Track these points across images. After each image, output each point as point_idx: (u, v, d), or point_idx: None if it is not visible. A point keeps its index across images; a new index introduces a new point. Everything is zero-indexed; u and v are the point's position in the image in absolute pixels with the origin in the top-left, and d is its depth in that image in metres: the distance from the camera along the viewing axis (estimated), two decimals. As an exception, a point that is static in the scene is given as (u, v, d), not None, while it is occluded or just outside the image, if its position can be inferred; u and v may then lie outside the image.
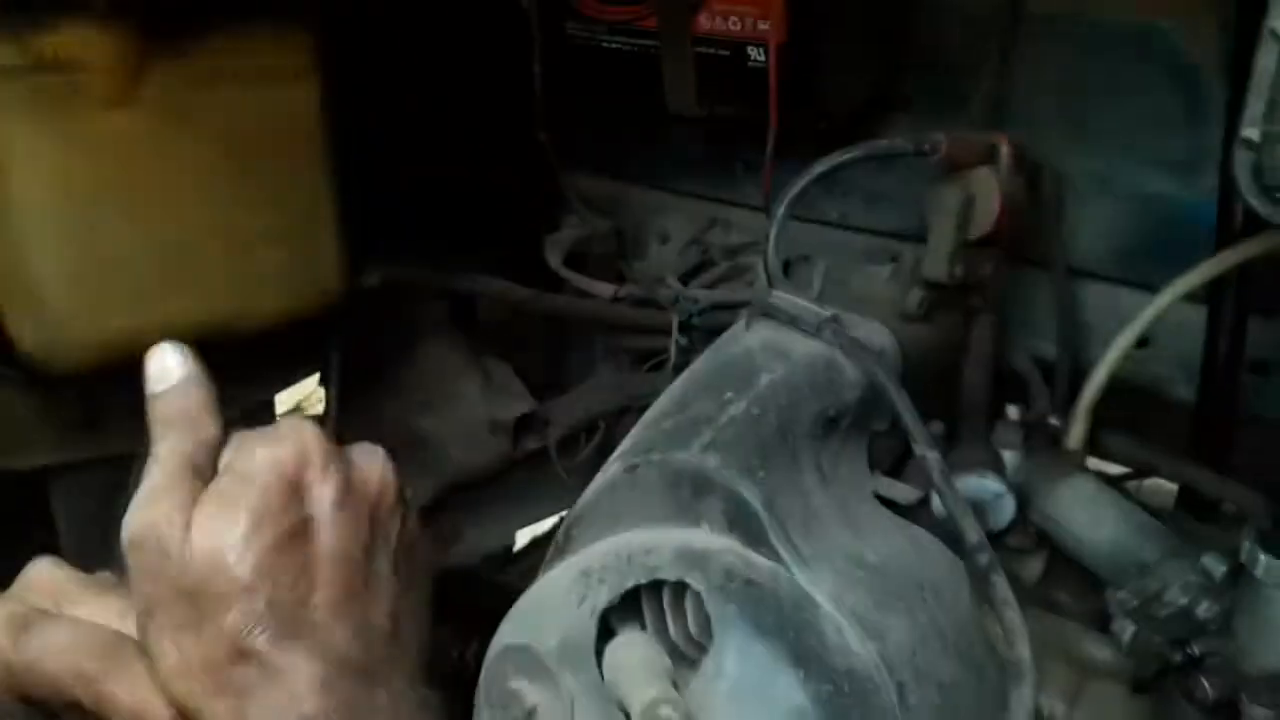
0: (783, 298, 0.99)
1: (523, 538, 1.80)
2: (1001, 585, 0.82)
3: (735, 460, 0.84)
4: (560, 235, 1.67)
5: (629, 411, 1.62)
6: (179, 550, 0.64)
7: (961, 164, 1.06)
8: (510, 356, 1.82)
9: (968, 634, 0.89)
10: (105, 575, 0.77)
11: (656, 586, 0.81)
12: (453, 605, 1.01)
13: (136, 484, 0.69)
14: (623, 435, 1.65)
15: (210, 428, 0.73)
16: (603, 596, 0.79)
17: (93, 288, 1.06)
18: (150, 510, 0.66)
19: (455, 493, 1.56)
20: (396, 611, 0.77)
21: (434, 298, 1.61)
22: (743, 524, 0.81)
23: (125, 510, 0.71)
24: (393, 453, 0.79)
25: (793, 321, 0.96)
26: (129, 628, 0.69)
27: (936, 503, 0.98)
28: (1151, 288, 1.10)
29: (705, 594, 0.76)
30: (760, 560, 0.80)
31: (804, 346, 0.95)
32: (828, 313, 0.96)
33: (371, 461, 0.76)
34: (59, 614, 0.72)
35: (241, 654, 0.64)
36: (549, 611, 0.81)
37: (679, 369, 1.51)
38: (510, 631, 0.84)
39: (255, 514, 0.66)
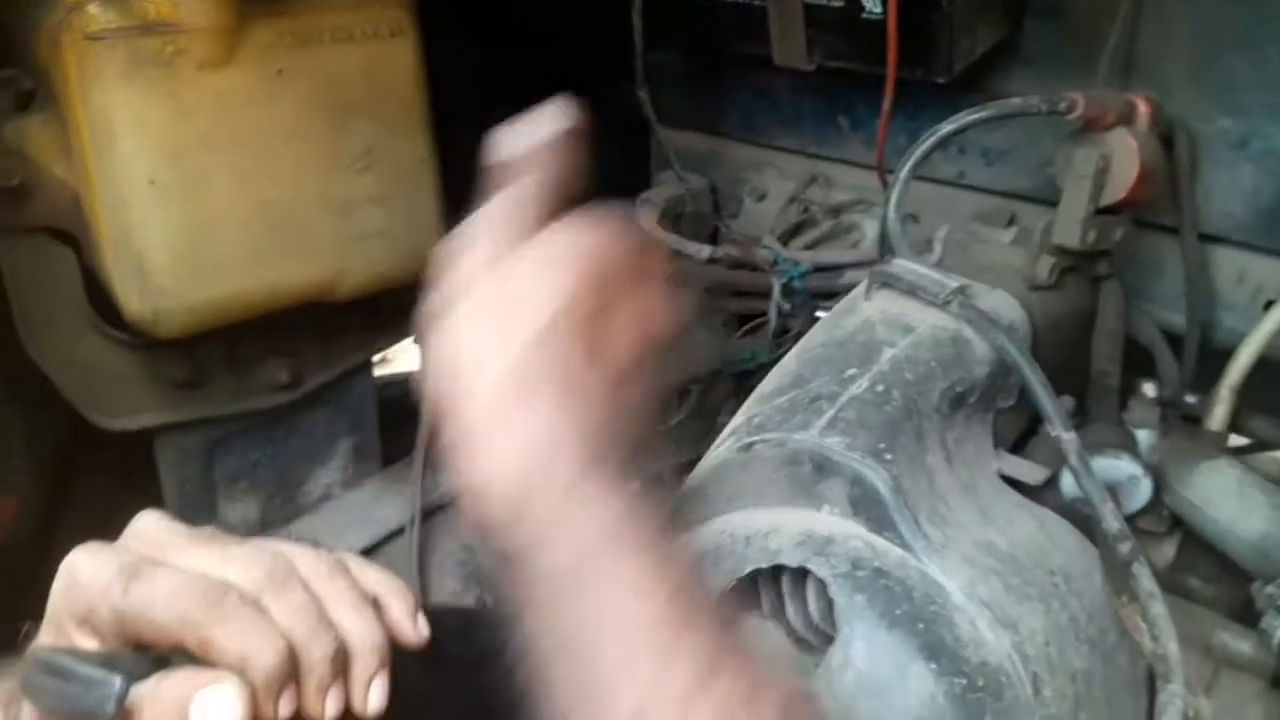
0: (905, 266, 0.94)
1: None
2: (1145, 576, 0.78)
3: (860, 441, 0.80)
4: (653, 193, 1.62)
5: (721, 376, 1.58)
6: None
7: (1097, 124, 1.00)
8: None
9: (1099, 621, 0.85)
10: (209, 529, 0.77)
11: (775, 571, 0.78)
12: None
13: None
14: (715, 400, 1.63)
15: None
16: (719, 580, 0.76)
17: (197, 251, 1.05)
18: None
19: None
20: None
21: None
22: (868, 508, 0.77)
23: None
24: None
25: (917, 292, 0.91)
26: (233, 576, 0.69)
27: (1066, 485, 0.93)
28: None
29: (831, 582, 0.73)
30: (888, 547, 0.76)
31: (929, 319, 0.91)
32: (954, 283, 0.91)
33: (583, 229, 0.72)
34: (166, 563, 0.72)
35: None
36: None
37: (779, 334, 1.48)
38: None
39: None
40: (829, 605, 0.74)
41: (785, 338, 1.45)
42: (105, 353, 1.14)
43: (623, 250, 0.69)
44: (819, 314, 1.45)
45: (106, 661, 0.66)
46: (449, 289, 0.65)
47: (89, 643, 0.71)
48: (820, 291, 1.43)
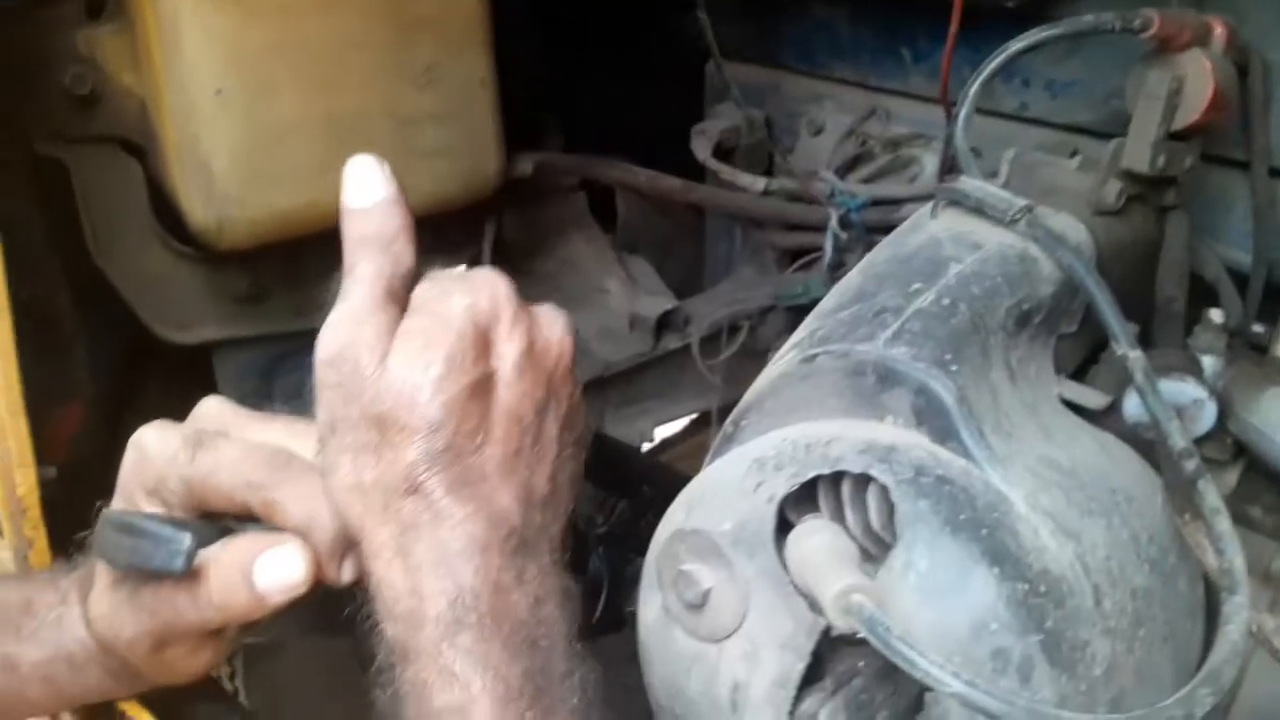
0: (973, 184, 0.93)
1: (660, 434, 1.79)
2: (1211, 492, 0.77)
3: (925, 353, 0.80)
4: (708, 125, 1.61)
5: (774, 310, 1.58)
6: (374, 376, 0.65)
7: (1171, 45, 0.97)
8: (648, 254, 1.79)
9: (1160, 543, 0.84)
10: (269, 414, 0.78)
11: (836, 478, 0.78)
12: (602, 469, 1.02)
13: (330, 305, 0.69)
14: (766, 337, 1.63)
15: (407, 256, 0.72)
16: (780, 485, 0.77)
17: (261, 161, 1.06)
18: (350, 331, 0.66)
19: (595, 388, 1.55)
20: (556, 479, 0.77)
21: (581, 187, 1.58)
22: (932, 418, 0.77)
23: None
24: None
25: (984, 210, 0.90)
26: (295, 447, 0.71)
27: (1128, 408, 0.92)
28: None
29: (893, 488, 0.73)
30: (952, 457, 0.76)
31: (996, 237, 0.90)
32: (1022, 202, 0.90)
33: (553, 324, 0.74)
34: (230, 436, 0.74)
35: (414, 488, 0.65)
36: (722, 497, 0.80)
37: (834, 267, 1.47)
38: (681, 515, 0.82)
39: (450, 359, 0.65)
40: (890, 512, 0.75)
41: (840, 271, 1.45)
42: (170, 265, 1.16)
43: (501, 307, 0.69)
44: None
45: (176, 524, 0.68)
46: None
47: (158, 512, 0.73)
48: (877, 225, 1.42)
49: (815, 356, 0.83)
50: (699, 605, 0.78)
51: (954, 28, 1.18)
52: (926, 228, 0.93)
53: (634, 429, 1.64)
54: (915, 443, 0.77)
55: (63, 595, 0.78)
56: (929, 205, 0.97)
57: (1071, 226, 0.95)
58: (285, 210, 1.09)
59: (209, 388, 1.30)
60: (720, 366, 1.63)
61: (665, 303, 1.61)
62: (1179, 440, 0.80)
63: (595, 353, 1.59)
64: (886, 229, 1.42)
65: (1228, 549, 0.75)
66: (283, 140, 1.07)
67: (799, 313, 1.59)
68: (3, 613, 0.78)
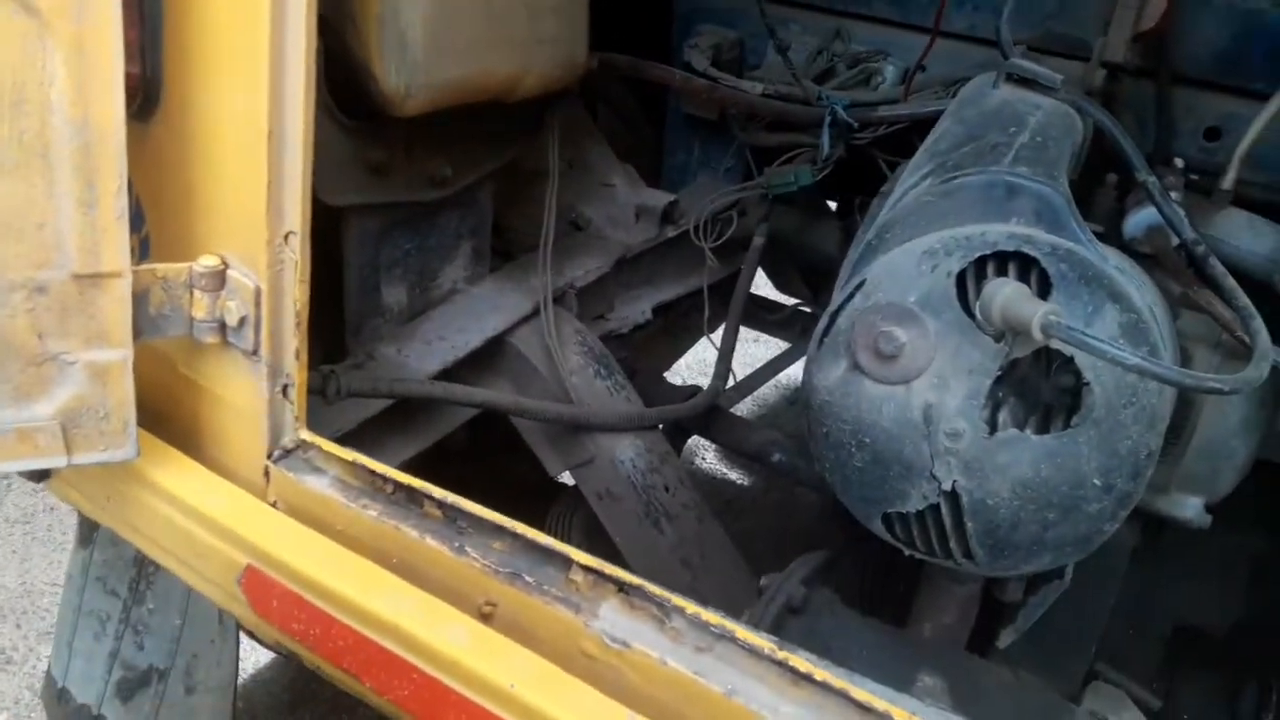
0: (1024, 64, 1.25)
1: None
2: (1216, 263, 1.14)
3: (1038, 171, 1.11)
4: (700, 41, 1.87)
5: (761, 200, 1.86)
6: None
7: (1138, -32, 1.34)
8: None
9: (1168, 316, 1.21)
10: None
11: (989, 258, 1.08)
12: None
13: None
14: (748, 223, 1.90)
15: None
16: (954, 264, 1.06)
17: (445, 34, 1.21)
18: None
19: (612, 271, 1.78)
20: None
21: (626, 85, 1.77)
22: (1049, 217, 1.09)
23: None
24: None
25: (1037, 82, 1.23)
26: None
27: (1128, 228, 1.29)
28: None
29: (1042, 258, 1.04)
30: (1065, 240, 1.08)
31: (1047, 100, 1.23)
32: (1060, 76, 1.24)
33: None
34: None
35: None
36: (902, 279, 1.08)
37: (827, 157, 1.76)
38: (861, 299, 1.10)
39: None
40: (1040, 277, 1.05)
41: (828, 161, 1.74)
42: (330, 133, 1.28)
43: None
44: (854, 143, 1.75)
45: None
46: None
47: None
48: (855, 124, 1.72)
49: (954, 179, 1.13)
50: (893, 356, 1.06)
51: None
52: (994, 94, 1.25)
53: (636, 309, 1.88)
54: (1038, 232, 1.08)
55: None
56: (982, 78, 1.29)
57: (1084, 98, 1.30)
58: (455, 80, 1.25)
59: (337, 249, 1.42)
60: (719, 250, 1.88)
61: (667, 196, 1.86)
62: (1189, 231, 1.16)
63: (611, 238, 1.82)
64: (864, 126, 1.74)
65: (1236, 295, 1.10)
66: (460, 16, 1.22)
67: (785, 200, 1.89)
68: None
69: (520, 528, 1.03)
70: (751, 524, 3.00)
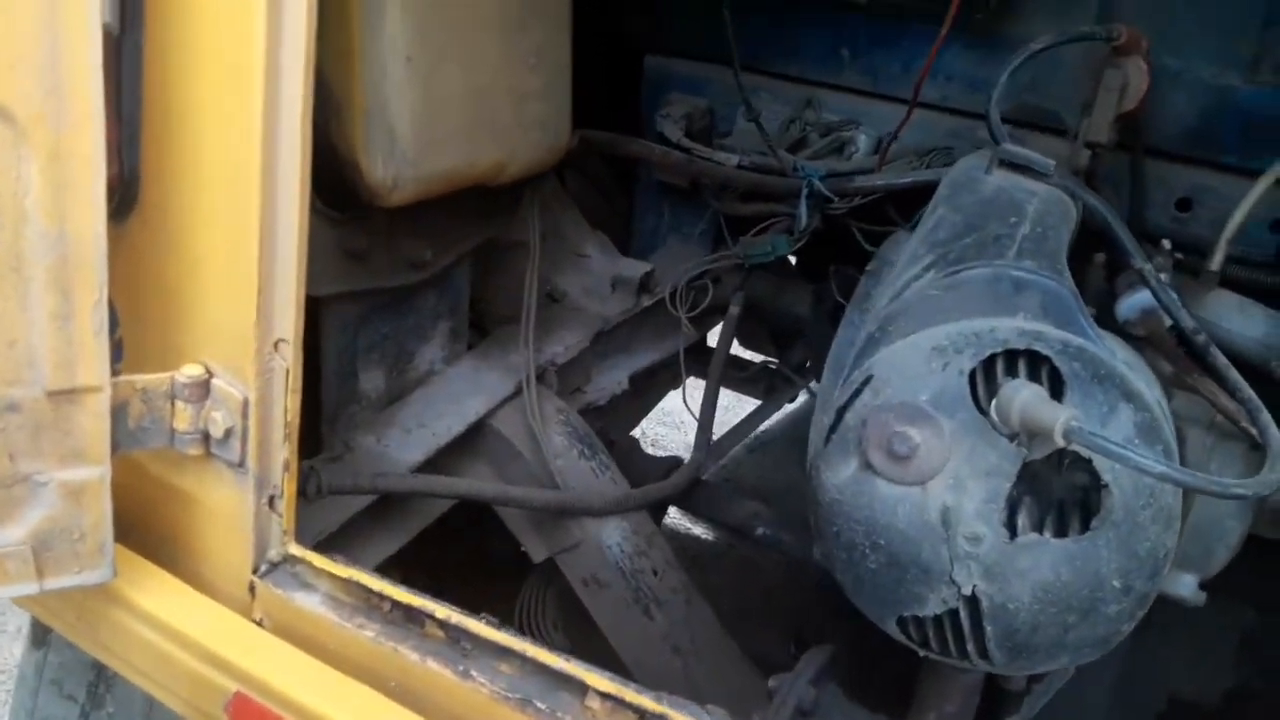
0: (1015, 150, 1.25)
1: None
2: (1218, 354, 1.14)
3: (1043, 265, 1.11)
4: (672, 110, 1.85)
5: (736, 270, 1.85)
6: None
7: (1121, 51, 1.35)
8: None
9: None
10: None
11: (998, 356, 1.07)
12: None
13: None
14: (723, 291, 1.88)
15: None
16: (965, 362, 1.04)
17: (431, 126, 1.17)
18: None
19: (590, 344, 1.74)
20: None
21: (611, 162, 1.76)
22: (1056, 312, 1.08)
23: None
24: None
25: (1030, 167, 1.23)
26: None
27: (1121, 310, 1.29)
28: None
29: (1054, 356, 1.03)
30: (1074, 335, 1.07)
31: (1041, 186, 1.23)
32: (1051, 162, 1.24)
33: None
34: None
35: None
36: (912, 376, 1.06)
37: (804, 228, 1.74)
38: (870, 396, 1.08)
39: None
40: (1053, 376, 1.04)
41: (805, 231, 1.73)
42: (312, 224, 1.23)
43: None
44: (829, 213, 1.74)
45: None
46: None
47: None
48: (831, 194, 1.71)
49: (958, 272, 1.12)
50: (908, 457, 1.04)
51: (944, 31, 1.49)
52: (988, 180, 1.25)
53: (612, 379, 1.84)
54: (1048, 328, 1.07)
55: None
56: (972, 160, 1.29)
57: (1074, 181, 1.30)
58: (442, 171, 1.21)
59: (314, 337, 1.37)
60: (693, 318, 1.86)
61: (644, 265, 1.83)
62: (1188, 320, 1.16)
63: (587, 309, 1.79)
64: (840, 195, 1.73)
65: (1240, 386, 1.11)
66: (446, 108, 1.18)
67: (761, 269, 1.87)
68: None
69: (530, 649, 0.99)
70: (716, 579, 2.96)
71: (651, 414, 3.16)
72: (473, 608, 1.04)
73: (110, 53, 0.94)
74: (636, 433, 2.11)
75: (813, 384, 2.64)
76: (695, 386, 2.11)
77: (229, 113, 0.95)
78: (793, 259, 2.26)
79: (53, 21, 0.86)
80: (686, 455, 1.79)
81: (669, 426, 3.92)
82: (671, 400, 2.26)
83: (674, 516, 3.17)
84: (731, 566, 3.04)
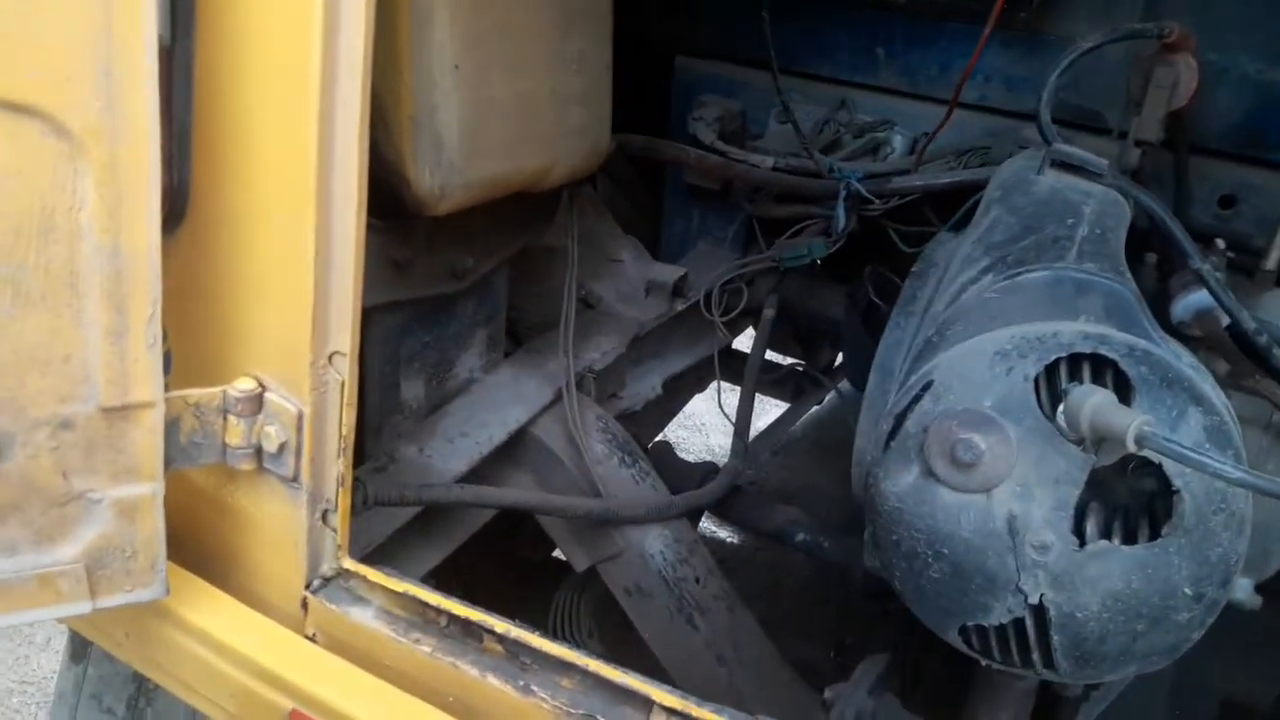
0: (1068, 150, 1.23)
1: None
2: (1277, 354, 1.12)
3: (1104, 266, 1.09)
4: (704, 113, 1.84)
5: (774, 273, 1.83)
6: None
7: (1176, 49, 1.33)
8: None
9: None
10: None
11: (1062, 360, 1.05)
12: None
13: None
14: (758, 293, 1.86)
15: None
16: (1030, 367, 1.02)
17: (478, 133, 1.16)
18: None
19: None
20: None
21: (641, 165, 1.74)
22: (1120, 313, 1.06)
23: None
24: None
25: (1084, 168, 1.21)
26: None
27: (1176, 312, 1.27)
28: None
29: (1120, 360, 1.01)
30: (1138, 338, 1.05)
31: (1096, 186, 1.21)
32: (1104, 161, 1.22)
33: None
34: None
35: None
36: (975, 382, 1.04)
37: (842, 230, 1.73)
38: (938, 399, 1.06)
39: None
40: (1119, 380, 1.02)
41: (843, 233, 1.71)
42: (359, 232, 1.22)
43: None
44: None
45: None
46: None
47: None
48: (867, 195, 1.69)
49: (1017, 275, 1.10)
50: (973, 464, 1.02)
51: (987, 31, 1.47)
52: (1040, 181, 1.23)
53: (647, 384, 1.83)
54: (1112, 331, 1.05)
55: None
56: (1021, 160, 1.27)
57: (1125, 180, 1.28)
58: (487, 179, 1.20)
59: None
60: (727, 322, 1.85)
61: (677, 270, 1.81)
62: (1249, 322, 1.14)
63: (622, 314, 1.77)
64: (878, 196, 1.71)
65: (1301, 388, 1.09)
66: (492, 114, 1.17)
67: (793, 272, 1.85)
68: None
69: (592, 663, 0.97)
70: (743, 582, 2.94)
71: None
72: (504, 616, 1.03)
73: (162, 63, 0.92)
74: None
75: (840, 386, 2.63)
76: (714, 390, 2.11)
77: (283, 122, 0.94)
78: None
79: (108, 34, 0.85)
80: (708, 458, 1.78)
81: (690, 429, 3.90)
82: (692, 403, 2.24)
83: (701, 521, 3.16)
84: (758, 571, 3.02)
